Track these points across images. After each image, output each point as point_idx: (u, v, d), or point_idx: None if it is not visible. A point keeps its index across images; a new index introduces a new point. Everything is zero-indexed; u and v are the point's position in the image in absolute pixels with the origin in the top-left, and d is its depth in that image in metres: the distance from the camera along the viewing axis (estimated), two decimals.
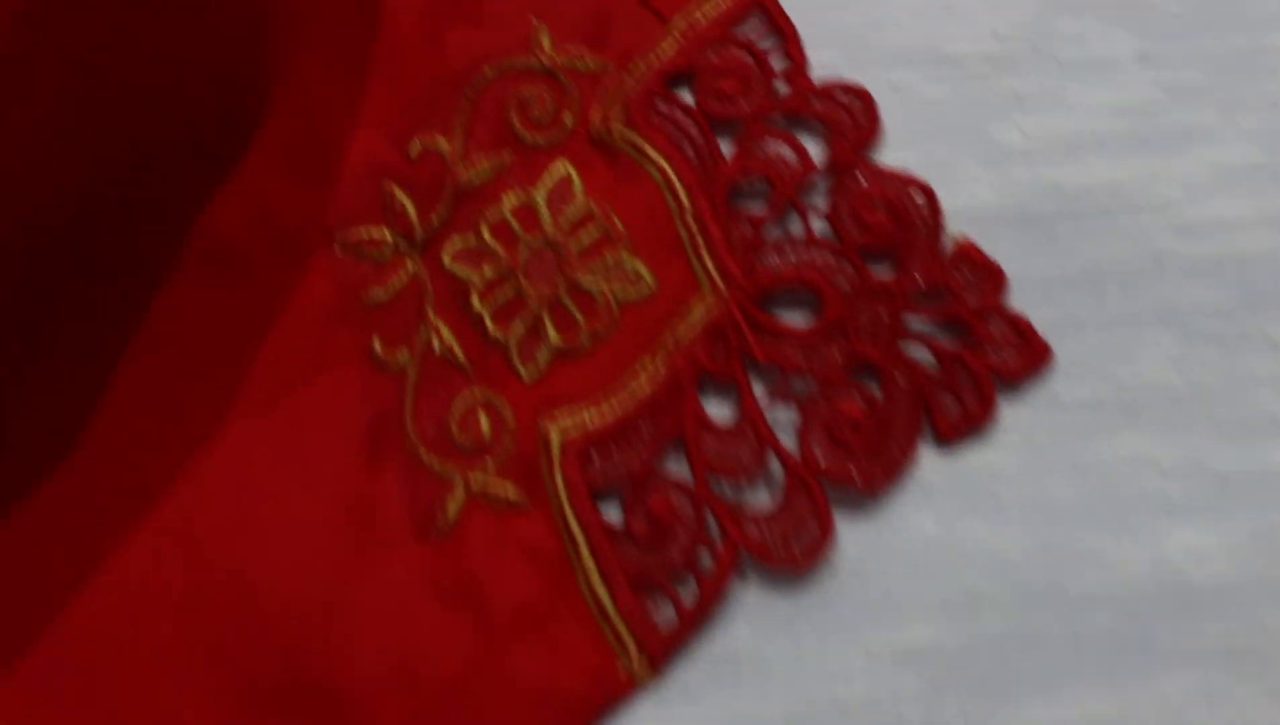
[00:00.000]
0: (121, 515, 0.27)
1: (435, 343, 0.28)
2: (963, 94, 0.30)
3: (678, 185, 0.29)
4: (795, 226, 0.29)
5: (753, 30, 0.30)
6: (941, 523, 0.27)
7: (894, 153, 0.30)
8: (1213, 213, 0.29)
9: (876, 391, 0.28)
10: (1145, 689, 0.26)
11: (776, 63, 0.30)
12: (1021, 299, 0.29)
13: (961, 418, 0.28)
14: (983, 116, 0.30)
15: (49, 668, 0.26)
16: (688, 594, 0.28)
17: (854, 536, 0.27)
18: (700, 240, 0.29)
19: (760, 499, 0.28)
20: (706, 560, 0.28)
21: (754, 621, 0.27)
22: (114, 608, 0.27)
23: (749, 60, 0.30)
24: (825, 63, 0.30)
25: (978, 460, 0.28)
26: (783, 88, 0.30)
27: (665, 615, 0.27)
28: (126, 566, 0.27)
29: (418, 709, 0.26)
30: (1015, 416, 0.28)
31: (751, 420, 0.28)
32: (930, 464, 0.28)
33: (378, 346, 0.28)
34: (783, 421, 0.28)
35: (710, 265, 0.29)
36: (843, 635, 0.27)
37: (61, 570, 0.27)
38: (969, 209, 0.29)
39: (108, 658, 0.27)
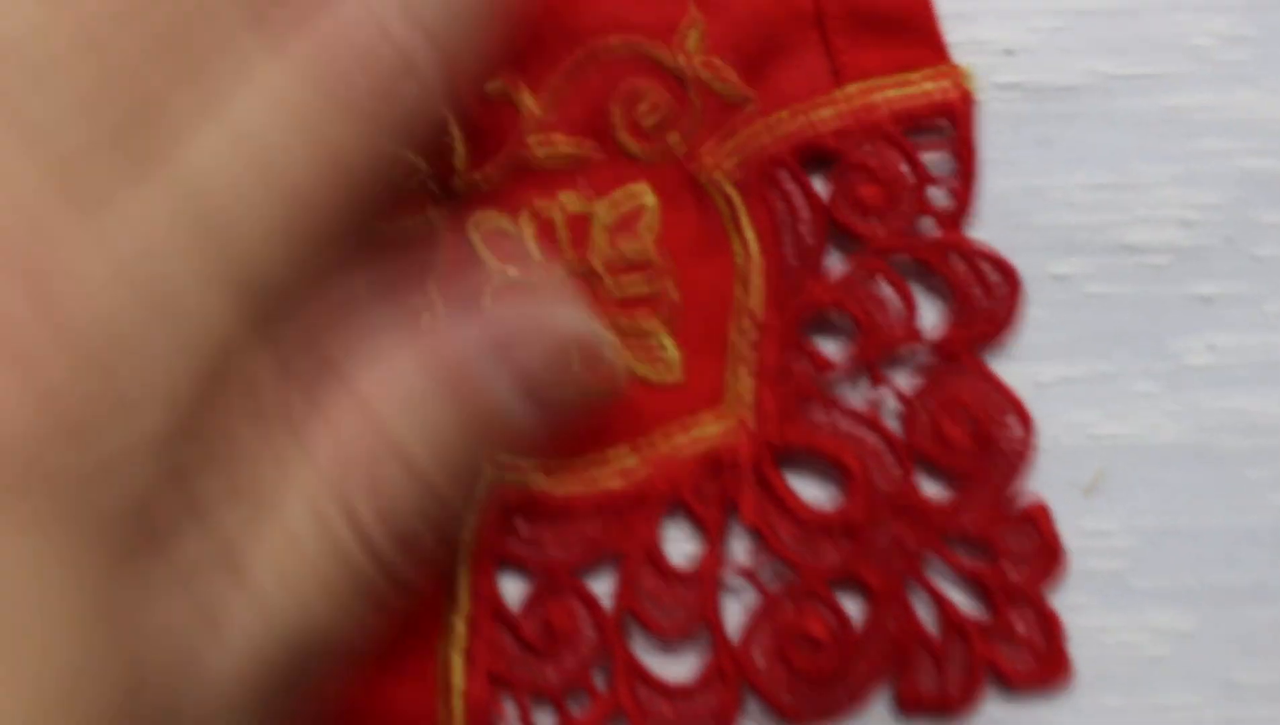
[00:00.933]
0: None
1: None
2: (1140, 294, 0.24)
3: (755, 279, 0.24)
4: (860, 393, 0.24)
5: (930, 143, 0.25)
6: None
7: (1049, 359, 0.24)
8: None
9: (855, 619, 0.23)
10: None
11: (936, 194, 0.25)
12: (1194, 554, 0.24)
13: (934, 695, 0.23)
14: (1162, 323, 0.24)
15: None
16: (543, 722, 0.23)
17: None
18: (751, 355, 0.24)
19: (674, 666, 0.23)
20: (581, 703, 0.23)
21: None
22: None
23: (909, 177, 0.24)
24: (975, 238, 0.25)
25: None
26: (929, 226, 0.25)
27: None
28: None
29: None
30: (1181, 700, 0.24)
31: (702, 583, 0.23)
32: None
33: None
34: (736, 595, 0.24)
35: (747, 389, 0.24)
36: None
37: None
38: (1137, 437, 0.24)
39: None
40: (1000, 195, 0.24)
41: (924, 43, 0.25)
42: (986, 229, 0.24)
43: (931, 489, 0.24)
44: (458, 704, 0.23)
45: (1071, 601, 0.24)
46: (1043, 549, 0.24)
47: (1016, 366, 0.24)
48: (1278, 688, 0.24)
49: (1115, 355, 0.24)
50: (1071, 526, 0.24)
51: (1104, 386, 0.24)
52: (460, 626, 0.23)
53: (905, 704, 0.23)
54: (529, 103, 0.24)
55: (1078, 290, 0.25)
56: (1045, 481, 0.24)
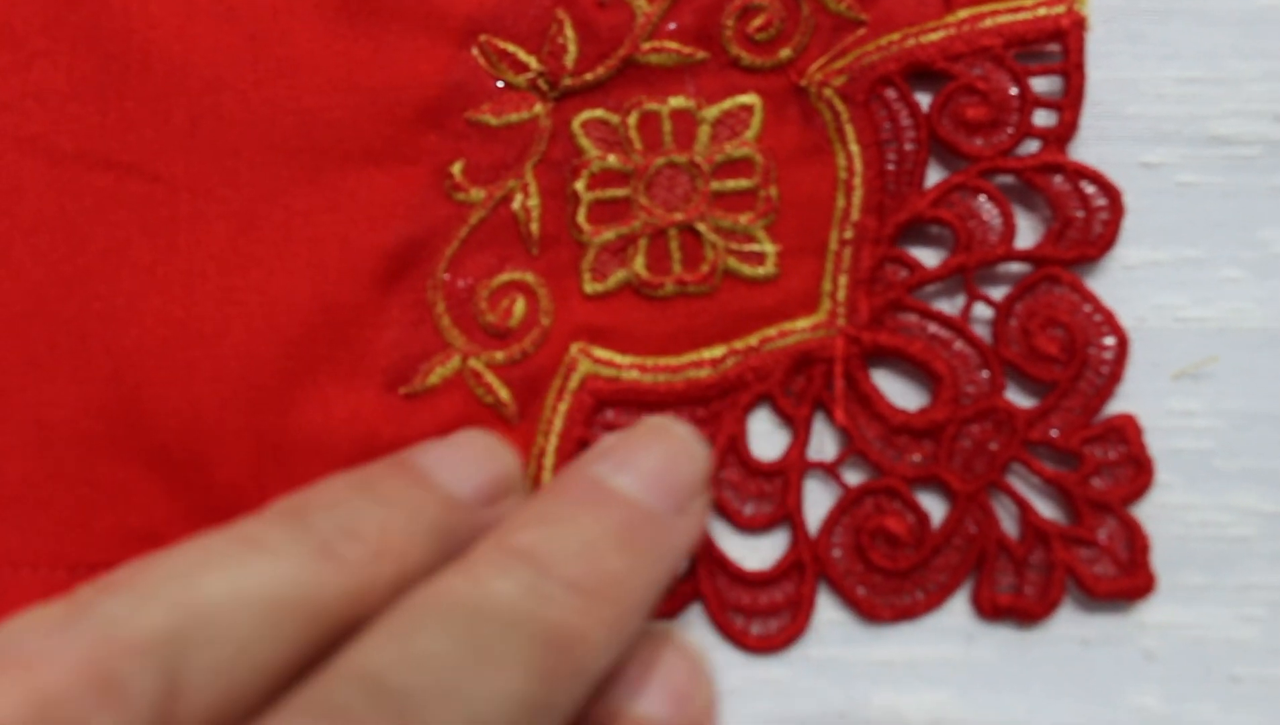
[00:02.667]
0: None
1: (517, 200, 0.24)
2: (1230, 183, 0.24)
3: (857, 187, 0.24)
4: (955, 303, 0.24)
5: (1038, 63, 0.25)
6: (1167, 700, 0.23)
7: (1137, 243, 0.24)
8: None
9: (936, 521, 0.23)
10: None
11: (1041, 115, 0.25)
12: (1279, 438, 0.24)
13: (1013, 601, 0.23)
14: (1253, 213, 0.24)
15: None
16: None
17: (1061, 706, 0.23)
18: (847, 258, 0.24)
19: (748, 553, 0.24)
20: None
21: None
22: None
23: (1014, 95, 0.25)
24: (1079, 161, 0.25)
25: (1215, 630, 0.23)
26: (1032, 146, 0.25)
27: None
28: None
29: None
30: (1263, 580, 0.24)
31: (786, 476, 0.24)
32: (1156, 630, 0.23)
33: (457, 170, 0.24)
34: (815, 491, 0.24)
35: (842, 290, 0.24)
36: None
37: None
38: (1223, 322, 0.24)
39: None
40: (1091, 86, 0.25)
41: None
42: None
43: (1020, 400, 0.24)
44: None
45: (1156, 480, 0.24)
46: (1129, 461, 0.23)
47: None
48: None
49: (1203, 242, 0.24)
50: (1157, 407, 0.24)
51: (1191, 271, 0.24)
52: None
53: (983, 607, 0.23)
54: (644, 6, 0.25)
55: (1167, 179, 0.25)
56: (1131, 362, 0.24)
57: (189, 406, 0.24)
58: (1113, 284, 0.24)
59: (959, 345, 0.24)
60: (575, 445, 0.24)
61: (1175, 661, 0.23)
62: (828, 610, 0.24)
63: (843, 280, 0.24)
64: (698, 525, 0.22)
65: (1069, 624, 0.23)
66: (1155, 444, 0.24)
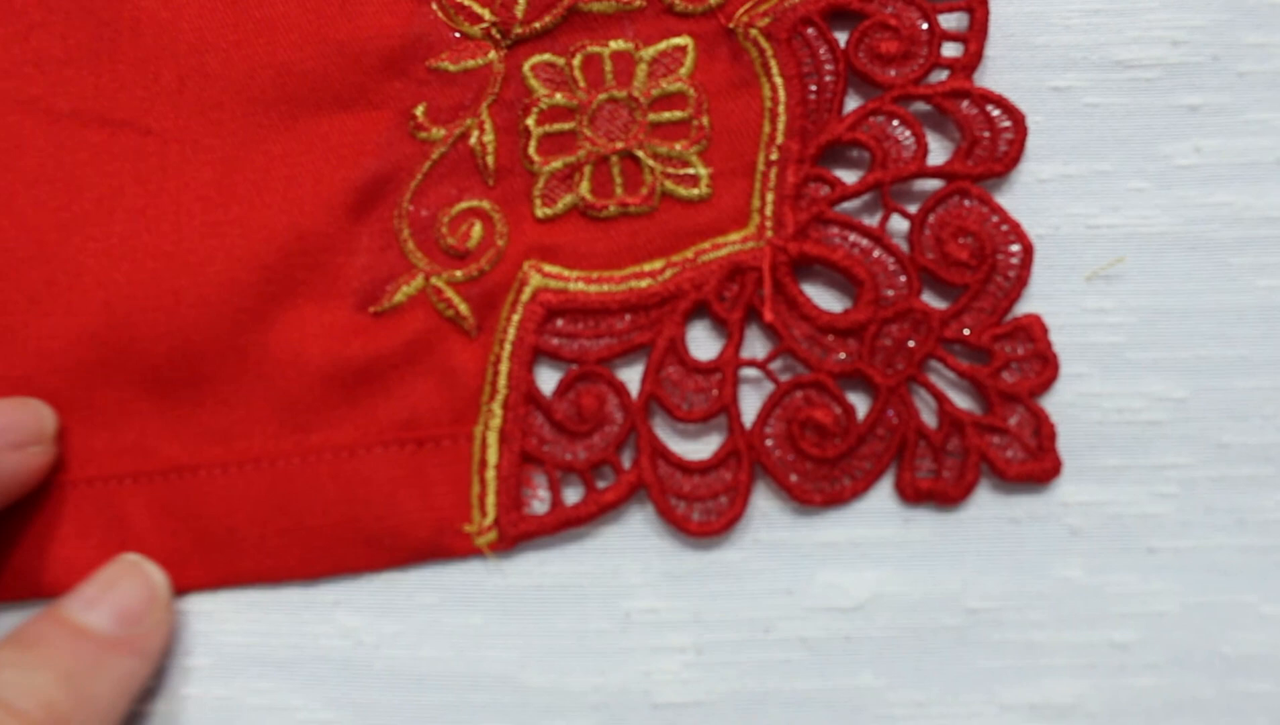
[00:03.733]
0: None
1: (474, 136, 0.27)
2: (1133, 104, 0.27)
3: (781, 115, 0.27)
4: (875, 218, 0.27)
5: (945, 1, 0.27)
6: (1090, 572, 0.25)
7: (1049, 159, 0.27)
8: None
9: (860, 413, 0.26)
10: None
11: (949, 46, 0.27)
12: (1185, 330, 0.26)
13: (932, 485, 0.25)
14: (1154, 129, 0.27)
15: None
16: (570, 496, 0.26)
17: (992, 580, 0.25)
18: (773, 178, 0.26)
19: (689, 449, 0.26)
20: (607, 477, 0.26)
21: (879, 664, 0.25)
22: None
23: (923, 30, 0.27)
24: (983, 58, 0.27)
25: (1132, 507, 0.26)
26: (942, 76, 0.27)
27: (535, 506, 0.26)
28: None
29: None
30: (1175, 460, 0.26)
31: (722, 373, 0.26)
32: (1079, 508, 0.26)
33: (419, 112, 0.27)
34: (750, 391, 0.26)
35: (769, 206, 0.26)
36: (974, 686, 0.25)
37: None
38: (1132, 227, 0.26)
39: None
40: (1003, 19, 0.27)
41: None
42: (991, 47, 0.27)
43: (936, 303, 0.26)
44: (491, 477, 0.26)
45: (1073, 371, 0.26)
46: (1041, 358, 0.26)
47: (1019, 166, 0.27)
48: (1263, 449, 0.25)
49: (1110, 156, 0.27)
50: (1073, 306, 0.26)
51: (1100, 183, 0.26)
52: (497, 411, 0.26)
53: (904, 491, 0.25)
54: None
55: (1076, 101, 0.27)
56: (1047, 266, 0.26)
57: (177, 330, 0.27)
58: (1029, 196, 0.27)
59: (878, 253, 0.26)
60: (529, 352, 0.26)
61: (1096, 536, 0.25)
62: (765, 499, 0.26)
63: (770, 197, 0.26)
64: (159, 639, 0.25)
65: (998, 505, 0.25)
66: (1072, 340, 0.26)
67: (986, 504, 0.25)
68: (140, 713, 0.26)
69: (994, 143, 0.27)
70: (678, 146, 0.27)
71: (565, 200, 0.27)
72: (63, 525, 0.27)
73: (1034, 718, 0.25)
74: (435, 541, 0.26)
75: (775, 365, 0.26)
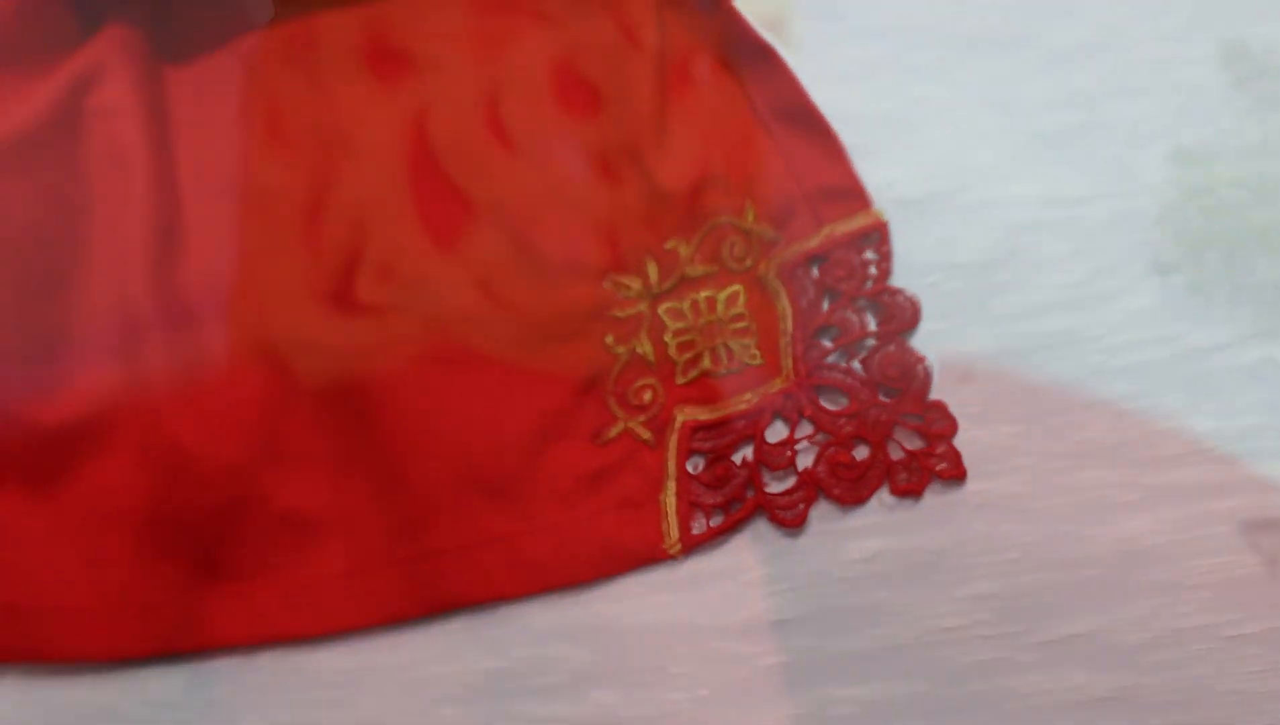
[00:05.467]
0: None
1: (640, 348, 0.52)
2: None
3: (789, 318, 0.52)
4: (844, 361, 0.52)
5: (870, 243, 0.54)
6: (988, 524, 0.49)
7: (929, 319, 0.52)
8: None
9: (864, 455, 0.50)
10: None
11: (874, 268, 0.53)
12: None
13: (907, 485, 0.50)
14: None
15: None
16: (715, 520, 0.50)
17: (942, 535, 0.49)
18: (791, 347, 0.52)
19: (780, 484, 0.50)
20: (733, 510, 0.50)
21: (885, 584, 0.49)
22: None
23: (858, 261, 0.53)
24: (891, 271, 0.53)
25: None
26: (870, 285, 0.53)
27: (695, 529, 0.50)
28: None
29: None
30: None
31: (790, 446, 0.51)
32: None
33: (610, 339, 0.52)
34: (805, 452, 0.51)
35: (790, 362, 0.52)
36: (937, 588, 0.49)
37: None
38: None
39: None
40: (903, 251, 0.53)
41: (854, 193, 0.54)
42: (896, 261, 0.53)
43: (885, 397, 0.51)
44: (672, 521, 0.50)
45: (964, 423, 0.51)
46: (943, 416, 0.50)
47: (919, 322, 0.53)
48: None
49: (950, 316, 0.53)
50: (951, 396, 0.51)
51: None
52: (671, 483, 0.50)
53: (895, 491, 0.50)
54: (684, 250, 0.54)
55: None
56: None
57: (448, 493, 0.51)
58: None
59: (851, 379, 0.51)
60: (685, 452, 0.51)
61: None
62: (823, 505, 0.50)
63: (790, 358, 0.52)
64: None
65: (943, 494, 0.50)
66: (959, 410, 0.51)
67: (938, 493, 0.50)
68: None
69: (905, 312, 0.52)
70: (744, 341, 0.52)
71: (694, 372, 0.52)
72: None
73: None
74: (648, 554, 0.49)
75: (817, 437, 0.51)
